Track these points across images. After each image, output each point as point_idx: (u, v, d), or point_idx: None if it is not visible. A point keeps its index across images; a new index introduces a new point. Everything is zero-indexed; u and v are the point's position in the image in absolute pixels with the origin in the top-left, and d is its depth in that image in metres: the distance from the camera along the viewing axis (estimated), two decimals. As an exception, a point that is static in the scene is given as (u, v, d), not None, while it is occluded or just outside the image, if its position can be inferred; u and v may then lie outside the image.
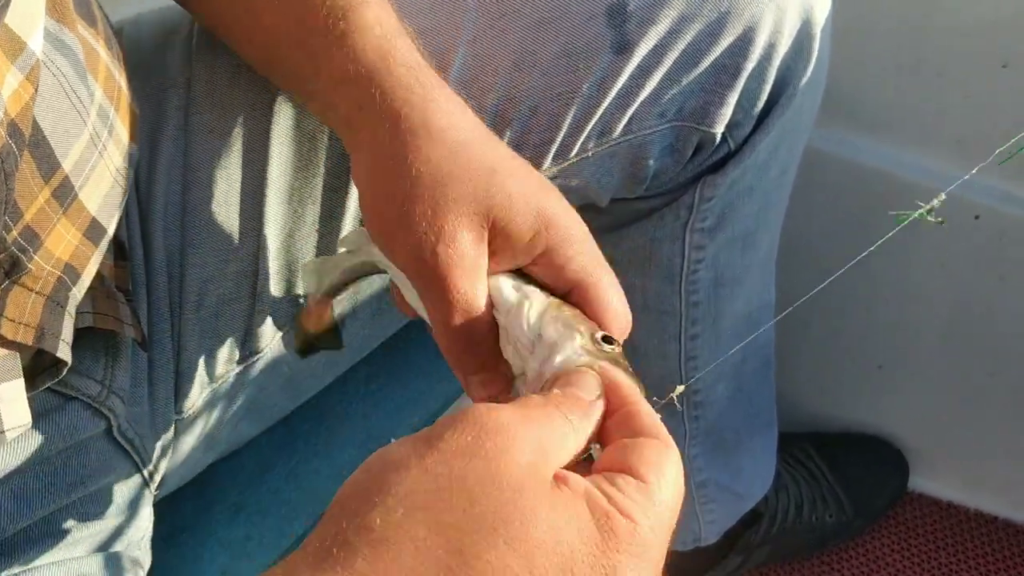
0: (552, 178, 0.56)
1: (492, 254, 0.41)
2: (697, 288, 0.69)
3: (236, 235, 0.54)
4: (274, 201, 0.54)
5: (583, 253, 0.41)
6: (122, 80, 0.48)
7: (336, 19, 0.44)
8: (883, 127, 0.84)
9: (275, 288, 0.54)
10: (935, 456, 0.99)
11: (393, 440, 0.31)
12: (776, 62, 0.58)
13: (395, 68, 0.43)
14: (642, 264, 0.69)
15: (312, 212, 0.55)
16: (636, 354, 0.73)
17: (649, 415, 0.34)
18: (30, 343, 0.41)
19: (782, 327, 0.96)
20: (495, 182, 0.40)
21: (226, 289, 0.53)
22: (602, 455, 0.33)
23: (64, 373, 0.44)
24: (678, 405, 0.43)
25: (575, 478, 0.31)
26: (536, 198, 0.41)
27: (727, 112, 0.58)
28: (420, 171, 0.41)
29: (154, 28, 0.57)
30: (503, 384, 0.40)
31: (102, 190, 0.44)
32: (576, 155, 0.57)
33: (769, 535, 0.92)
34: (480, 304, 0.40)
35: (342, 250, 0.52)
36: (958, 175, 0.86)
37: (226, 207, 0.53)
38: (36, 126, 0.39)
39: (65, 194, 0.42)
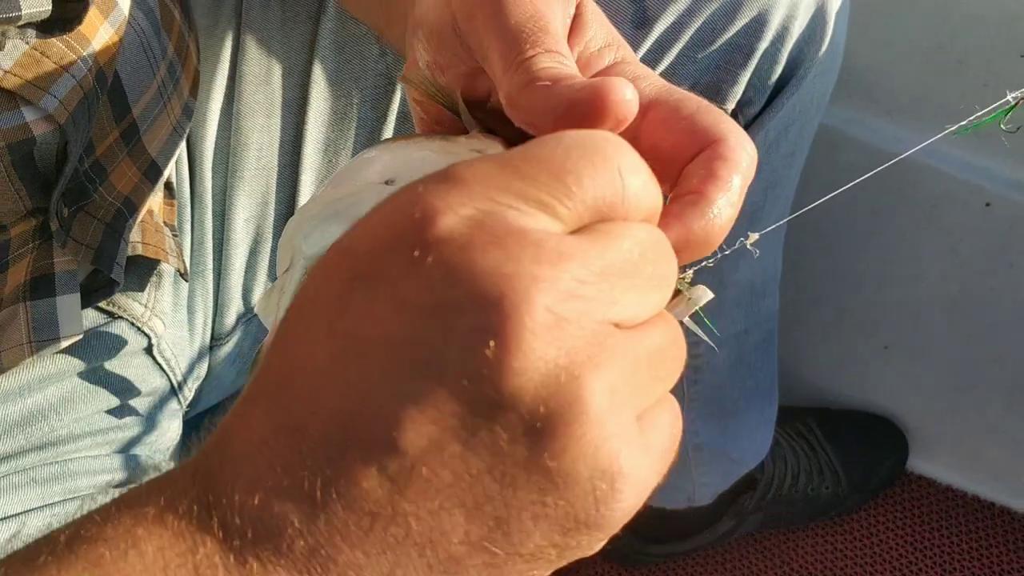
0: None
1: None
2: (703, 255, 0.76)
3: (275, 180, 0.61)
4: (311, 151, 0.61)
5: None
6: (191, 40, 0.55)
7: None
8: (901, 111, 0.89)
9: None
10: (936, 438, 1.05)
11: None
12: (789, 45, 0.64)
13: None
14: (655, 226, 0.75)
15: (344, 159, 0.62)
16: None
17: None
18: (89, 263, 0.48)
19: (794, 302, 1.03)
20: None
21: (264, 229, 0.61)
22: None
23: (115, 293, 0.51)
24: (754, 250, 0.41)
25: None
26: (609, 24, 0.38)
27: (739, 90, 0.64)
28: None
29: None
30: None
31: (162, 136, 0.52)
32: None
33: (763, 502, 0.99)
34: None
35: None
36: (975, 162, 0.92)
37: (268, 154, 0.60)
38: (116, 74, 0.46)
39: (131, 136, 0.49)
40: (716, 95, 0.64)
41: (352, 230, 0.26)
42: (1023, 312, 0.95)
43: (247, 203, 0.61)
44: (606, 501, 0.25)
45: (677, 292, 0.32)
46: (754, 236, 0.39)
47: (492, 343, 0.24)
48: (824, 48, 0.66)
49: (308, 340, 0.26)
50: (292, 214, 0.61)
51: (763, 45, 0.63)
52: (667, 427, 0.28)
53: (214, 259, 0.60)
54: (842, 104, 0.86)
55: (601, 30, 0.36)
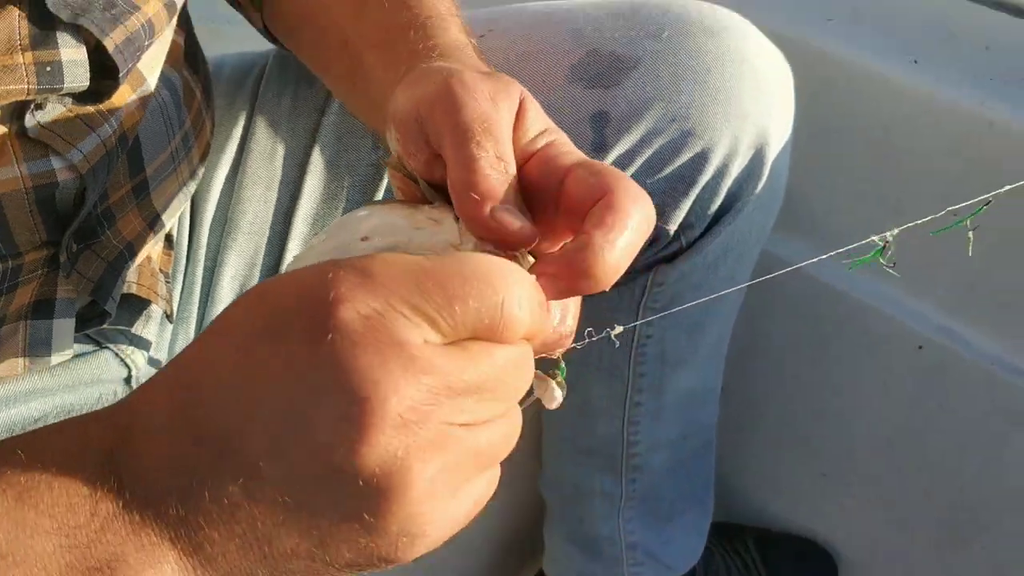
0: None
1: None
2: (644, 361, 0.83)
3: (264, 246, 0.69)
4: (300, 223, 0.70)
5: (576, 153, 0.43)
6: (207, 116, 0.64)
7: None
8: (836, 243, 0.98)
9: None
10: (866, 570, 1.10)
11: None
12: (728, 181, 0.73)
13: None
14: (601, 329, 0.83)
15: (326, 236, 0.71)
16: (588, 407, 0.88)
17: None
18: (88, 294, 0.56)
19: (737, 421, 1.10)
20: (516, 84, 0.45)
21: (248, 287, 0.69)
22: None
23: (105, 324, 0.59)
24: (615, 342, 0.47)
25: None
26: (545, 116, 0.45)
27: (680, 214, 0.73)
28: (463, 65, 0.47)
29: (234, 67, 0.74)
30: (530, 221, 0.40)
31: (170, 194, 0.60)
32: None
33: (693, 611, 1.03)
34: (511, 145, 0.42)
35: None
36: (911, 306, 1.00)
37: (261, 222, 0.69)
38: (136, 137, 0.55)
39: (141, 191, 0.58)
40: (660, 216, 0.73)
41: (276, 281, 0.34)
42: (951, 453, 1.01)
43: (236, 262, 0.69)
44: (405, 550, 0.34)
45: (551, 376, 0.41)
46: (618, 328, 0.46)
47: (350, 430, 0.31)
48: (761, 185, 0.75)
49: (217, 359, 0.34)
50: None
51: (704, 178, 0.72)
52: (479, 494, 0.35)
53: (199, 309, 0.68)
54: (784, 233, 0.95)
55: (538, 120, 0.43)
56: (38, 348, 0.55)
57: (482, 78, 0.42)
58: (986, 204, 0.51)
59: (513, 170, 0.40)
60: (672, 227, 0.74)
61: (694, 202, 0.73)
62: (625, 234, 0.38)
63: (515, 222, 0.39)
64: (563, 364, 0.42)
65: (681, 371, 0.86)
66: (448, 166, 0.41)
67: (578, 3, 0.73)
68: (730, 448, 1.12)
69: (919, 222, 0.51)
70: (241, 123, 0.69)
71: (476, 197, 0.39)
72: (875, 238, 0.51)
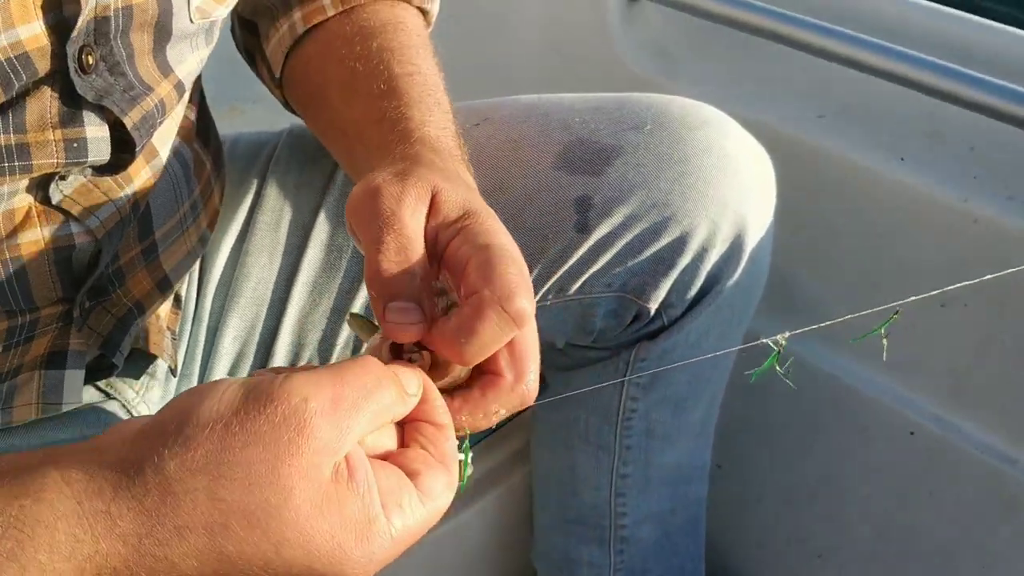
0: None
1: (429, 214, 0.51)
2: (631, 434, 0.87)
3: (264, 311, 0.75)
4: (299, 291, 0.75)
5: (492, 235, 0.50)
6: (216, 185, 0.71)
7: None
8: (829, 335, 1.01)
9: (281, 356, 0.75)
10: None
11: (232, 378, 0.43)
12: (708, 264, 0.77)
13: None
14: (588, 402, 0.87)
15: (326, 304, 0.76)
16: (575, 478, 0.91)
17: (451, 441, 0.45)
18: (97, 348, 0.62)
19: (732, 498, 1.12)
20: (447, 177, 0.53)
21: (247, 349, 0.74)
22: (407, 453, 0.43)
23: (113, 376, 0.64)
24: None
25: (363, 473, 0.40)
26: (469, 198, 0.52)
27: (661, 294, 0.77)
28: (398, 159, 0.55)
29: (248, 144, 0.80)
30: (419, 316, 0.47)
31: (178, 256, 0.66)
32: (538, 302, 0.77)
33: None
34: (420, 236, 0.49)
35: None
36: (904, 393, 1.02)
37: (263, 288, 0.74)
38: (147, 204, 0.61)
39: (150, 253, 0.64)
40: (641, 295, 0.77)
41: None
42: (943, 541, 1.02)
43: (237, 324, 0.75)
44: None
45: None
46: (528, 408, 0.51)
47: None
48: (741, 269, 0.79)
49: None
50: (274, 340, 0.75)
51: (684, 261, 0.76)
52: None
53: (200, 366, 0.73)
54: (768, 315, 0.98)
55: (455, 205, 0.51)
56: (51, 395, 0.61)
57: (393, 180, 0.50)
58: (895, 314, 0.54)
59: (416, 256, 0.48)
60: (653, 306, 0.78)
61: (674, 283, 0.77)
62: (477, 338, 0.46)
63: (402, 319, 0.47)
64: (468, 444, 0.47)
65: (667, 446, 0.89)
66: (366, 258, 0.49)
67: (568, 97, 0.78)
68: (724, 525, 1.14)
69: (821, 325, 0.54)
70: (251, 195, 0.76)
71: (374, 295, 0.48)
72: (768, 341, 0.54)
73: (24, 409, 0.61)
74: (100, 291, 0.61)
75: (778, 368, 0.53)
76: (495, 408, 0.49)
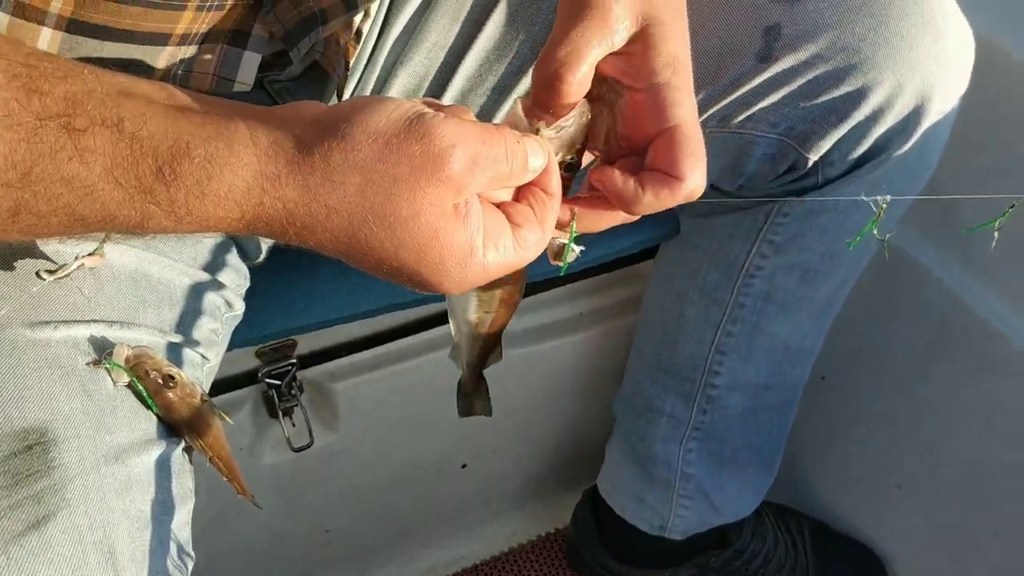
0: None
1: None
2: (749, 292, 0.86)
3: (433, 74, 0.76)
4: (468, 64, 0.76)
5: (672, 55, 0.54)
6: None
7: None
8: (975, 260, 0.97)
9: None
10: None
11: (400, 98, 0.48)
12: (881, 127, 0.74)
13: None
14: (714, 252, 0.86)
15: (491, 80, 0.77)
16: (679, 327, 0.91)
17: (554, 210, 0.51)
18: (279, 38, 0.64)
19: (826, 410, 1.10)
20: None
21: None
22: (516, 206, 0.50)
23: (283, 76, 0.67)
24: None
25: (475, 215, 0.47)
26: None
27: (825, 146, 0.75)
28: None
29: None
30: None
31: None
32: None
33: (729, 567, 1.04)
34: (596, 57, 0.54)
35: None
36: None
37: (437, 52, 0.76)
38: None
39: None
40: (804, 143, 0.75)
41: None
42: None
43: (405, 80, 0.76)
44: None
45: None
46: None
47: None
48: (912, 144, 0.76)
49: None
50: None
51: (857, 117, 0.74)
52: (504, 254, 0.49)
53: None
54: (919, 232, 0.94)
55: (665, 51, 0.54)
56: (226, 70, 0.64)
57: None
58: (1011, 207, 0.52)
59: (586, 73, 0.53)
60: (813, 157, 0.76)
61: (842, 137, 0.75)
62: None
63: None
64: (574, 225, 0.54)
65: (782, 316, 0.87)
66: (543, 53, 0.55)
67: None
68: (811, 434, 1.13)
69: (930, 197, 0.52)
70: None
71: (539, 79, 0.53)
72: (868, 200, 0.52)
73: (200, 77, 0.64)
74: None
75: (876, 233, 0.54)
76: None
